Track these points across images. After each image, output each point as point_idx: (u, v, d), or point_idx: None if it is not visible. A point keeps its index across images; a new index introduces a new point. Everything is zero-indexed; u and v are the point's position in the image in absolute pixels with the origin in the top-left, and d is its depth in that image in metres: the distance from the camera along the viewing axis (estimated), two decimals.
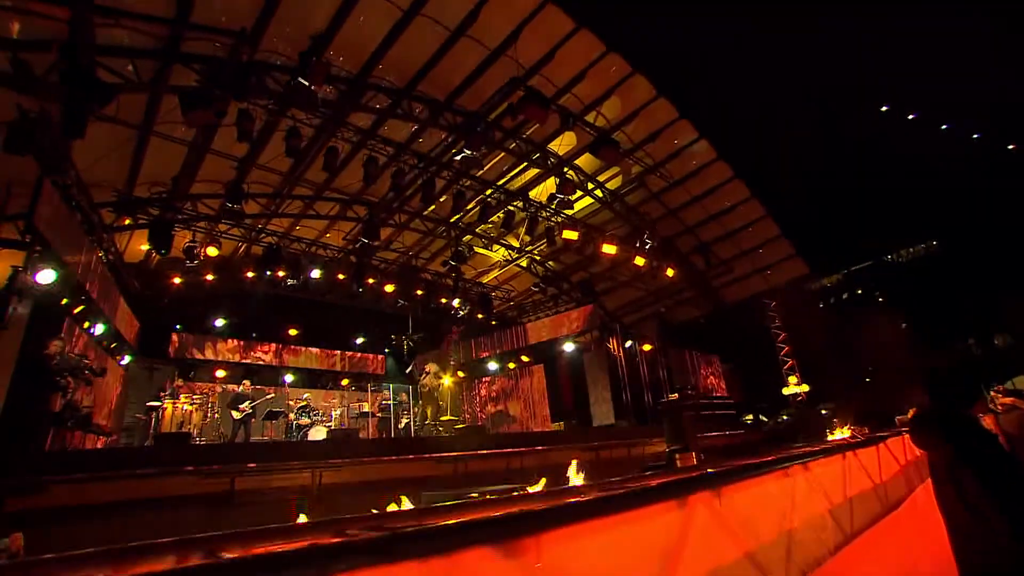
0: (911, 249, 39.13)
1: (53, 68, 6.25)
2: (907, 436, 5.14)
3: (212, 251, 10.86)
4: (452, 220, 15.12)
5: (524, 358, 16.53)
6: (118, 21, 6.23)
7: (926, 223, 35.38)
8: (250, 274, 13.61)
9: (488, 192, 14.07)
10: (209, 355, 14.26)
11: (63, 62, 6.21)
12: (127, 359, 11.62)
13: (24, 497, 4.10)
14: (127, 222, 9.99)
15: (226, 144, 10.50)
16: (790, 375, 19.43)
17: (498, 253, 17.36)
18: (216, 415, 11.28)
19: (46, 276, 6.51)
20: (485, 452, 6.51)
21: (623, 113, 12.69)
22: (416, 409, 12.25)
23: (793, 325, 20.12)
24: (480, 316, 16.09)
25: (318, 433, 11.74)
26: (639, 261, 13.34)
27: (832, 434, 8.58)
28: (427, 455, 5.94)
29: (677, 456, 5.04)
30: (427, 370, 11.89)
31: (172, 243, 9.71)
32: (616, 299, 18.82)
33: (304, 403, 12.04)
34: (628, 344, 16.10)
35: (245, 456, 5.01)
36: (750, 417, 18.02)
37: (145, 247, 10.33)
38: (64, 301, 7.56)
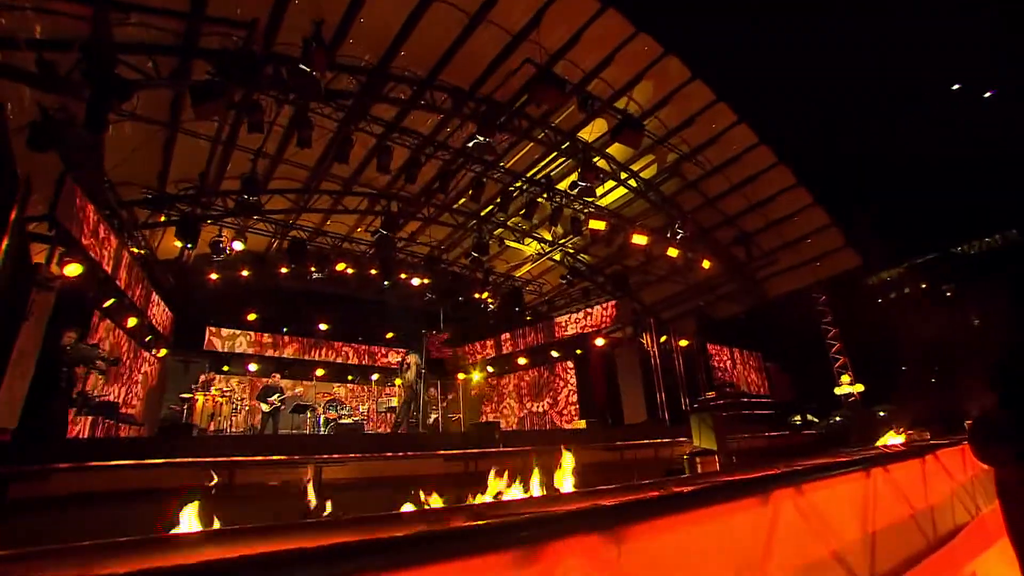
0: (986, 239, 35.96)
1: (76, 67, 6.40)
2: (968, 446, 4.50)
3: (239, 245, 11.10)
4: (483, 213, 14.93)
5: (554, 353, 16.11)
6: (130, 17, 6.31)
7: (1003, 210, 32.29)
8: (284, 270, 13.91)
9: (519, 184, 13.77)
10: (242, 349, 14.67)
11: (85, 61, 6.36)
12: (163, 352, 12.08)
13: (26, 484, 4.16)
14: (162, 219, 10.31)
15: (254, 140, 10.67)
16: (842, 374, 18.23)
17: (531, 247, 17.06)
18: (247, 407, 11.56)
19: (71, 270, 6.76)
20: (498, 451, 6.25)
21: (655, 98, 12.11)
22: (398, 405, 11.85)
23: (846, 320, 18.86)
24: (517, 310, 15.81)
25: None
26: (672, 252, 12.71)
27: (883, 439, 7.83)
28: (437, 452, 5.74)
29: (698, 460, 4.59)
30: (408, 362, 11.49)
31: (199, 238, 9.96)
32: (654, 293, 18.14)
33: (331, 397, 12.20)
34: (663, 339, 15.43)
35: (246, 449, 4.95)
36: (798, 418, 17.00)
37: (180, 244, 10.64)
38: (92, 294, 7.85)
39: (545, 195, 13.39)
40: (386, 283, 13.18)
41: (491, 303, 15.67)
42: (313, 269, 13.42)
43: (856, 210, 15.96)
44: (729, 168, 13.80)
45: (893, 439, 8.28)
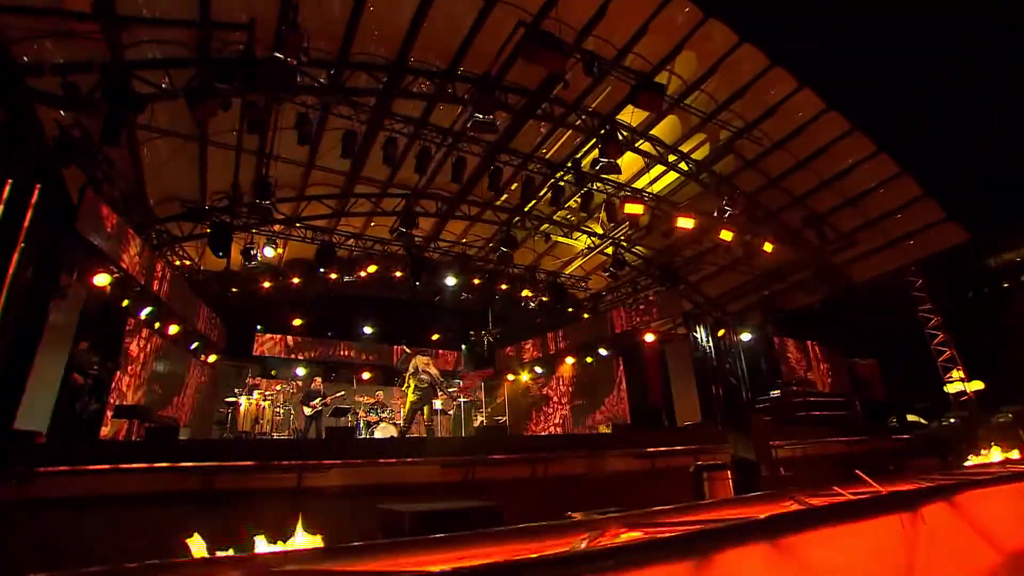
0: None
1: (97, 86, 6.73)
2: None
3: (269, 251, 11.43)
4: (526, 208, 14.47)
5: (603, 351, 15.21)
6: (127, 26, 6.52)
7: None
8: (333, 276, 14.28)
9: (560, 174, 13.14)
10: (289, 354, 15.22)
11: (103, 79, 6.68)
12: (213, 358, 12.75)
13: (12, 487, 4.25)
14: (208, 231, 10.83)
15: (289, 151, 10.94)
16: (950, 369, 15.78)
17: (580, 241, 16.39)
18: (292, 411, 11.88)
19: (100, 279, 7.17)
20: (504, 457, 5.74)
21: (701, 69, 11.08)
22: (403, 408, 11.49)
23: (953, 308, 16.31)
24: (558, 306, 15.23)
25: (385, 431, 11.87)
26: (725, 235, 11.53)
27: (977, 456, 6.44)
28: (432, 458, 5.35)
29: (706, 476, 3.79)
30: (417, 365, 11.02)
31: (231, 246, 10.34)
32: (719, 285, 16.79)
33: (372, 400, 12.30)
34: (721, 333, 14.09)
35: (230, 454, 4.84)
36: (895, 420, 14.89)
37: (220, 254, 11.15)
38: (125, 303, 8.31)
39: (569, 176, 12.66)
40: (417, 283, 13.07)
41: (532, 302, 15.12)
42: (362, 273, 13.58)
43: (960, 177, 13.61)
44: (793, 141, 12.34)
45: (998, 455, 6.82)
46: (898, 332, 15.60)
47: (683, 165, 13.19)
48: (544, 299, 14.90)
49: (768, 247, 11.95)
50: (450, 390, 12.31)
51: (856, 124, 11.96)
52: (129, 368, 8.58)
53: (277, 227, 11.58)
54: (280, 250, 12.07)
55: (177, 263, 10.58)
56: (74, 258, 6.84)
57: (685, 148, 13.00)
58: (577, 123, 12.10)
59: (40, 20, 6.20)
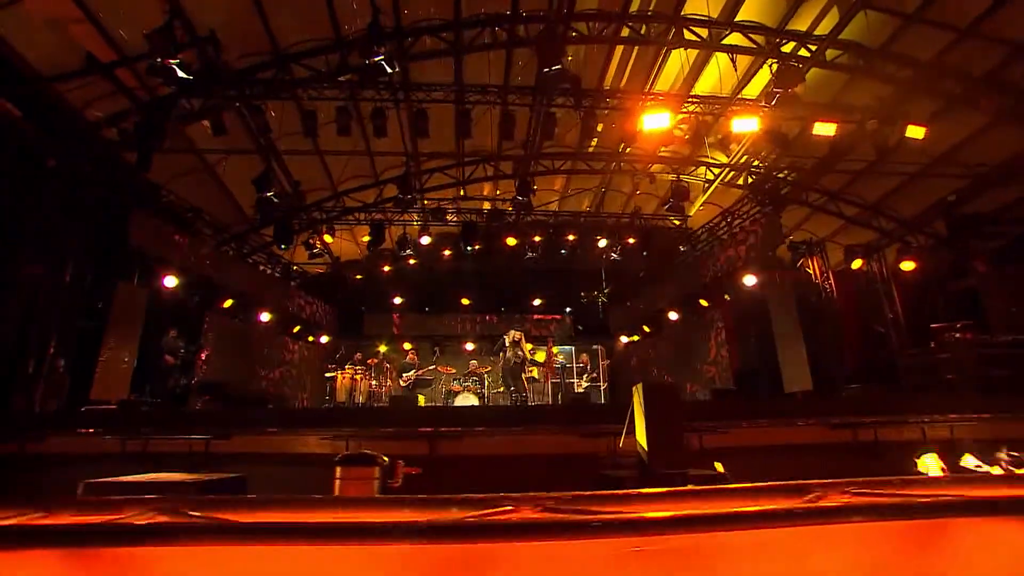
0: None
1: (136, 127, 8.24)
2: None
3: (328, 239, 12.40)
4: (620, 148, 12.64)
5: (703, 302, 12.19)
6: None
7: None
8: (447, 252, 15.02)
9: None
10: (395, 330, 16.30)
11: (141, 120, 8.16)
12: (325, 339, 14.65)
13: (33, 444, 5.61)
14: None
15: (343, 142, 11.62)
16: None
17: (695, 176, 13.79)
18: (387, 383, 12.84)
19: (169, 281, 8.90)
20: (393, 431, 5.06)
21: None
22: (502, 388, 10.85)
23: None
24: (644, 254, 13.03)
25: (465, 399, 11.97)
26: (823, 129, 8.10)
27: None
28: (322, 430, 5.07)
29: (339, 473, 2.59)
30: (506, 342, 10.32)
31: (293, 238, 11.56)
32: (913, 201, 12.19)
33: (453, 371, 12.61)
34: (857, 265, 9.79)
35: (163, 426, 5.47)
36: None
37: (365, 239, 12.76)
38: (198, 298, 10.16)
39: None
40: (468, 250, 12.60)
41: (613, 251, 13.11)
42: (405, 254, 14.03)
43: None
44: None
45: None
46: None
47: (804, 51, 9.74)
48: (619, 247, 13.02)
49: (916, 131, 7.96)
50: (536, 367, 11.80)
51: None
52: (214, 350, 10.49)
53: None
54: (332, 238, 13.04)
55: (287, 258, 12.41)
56: (130, 266, 8.65)
57: (801, 26, 9.59)
58: (637, 36, 10.04)
59: (83, 80, 7.84)
